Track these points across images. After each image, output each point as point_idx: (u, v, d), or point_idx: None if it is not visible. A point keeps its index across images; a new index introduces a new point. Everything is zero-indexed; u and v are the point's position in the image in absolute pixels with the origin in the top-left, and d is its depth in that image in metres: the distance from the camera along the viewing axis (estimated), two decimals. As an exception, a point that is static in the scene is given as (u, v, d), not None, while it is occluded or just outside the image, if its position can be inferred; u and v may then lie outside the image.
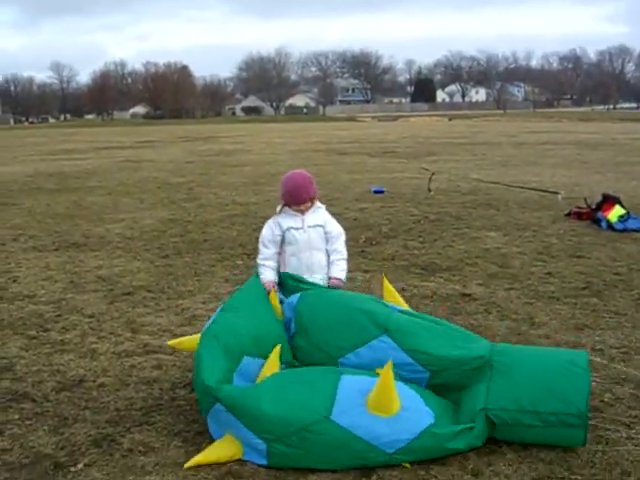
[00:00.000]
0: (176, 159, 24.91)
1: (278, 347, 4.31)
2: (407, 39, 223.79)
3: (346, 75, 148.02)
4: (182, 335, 5.85)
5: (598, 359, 5.12)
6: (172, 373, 4.97)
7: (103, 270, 8.30)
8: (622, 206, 10.33)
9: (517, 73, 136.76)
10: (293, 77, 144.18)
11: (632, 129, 42.34)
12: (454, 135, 37.95)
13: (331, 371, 4.08)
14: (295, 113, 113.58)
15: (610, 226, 10.02)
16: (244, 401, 3.82)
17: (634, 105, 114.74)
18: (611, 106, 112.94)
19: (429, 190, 14.15)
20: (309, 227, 4.89)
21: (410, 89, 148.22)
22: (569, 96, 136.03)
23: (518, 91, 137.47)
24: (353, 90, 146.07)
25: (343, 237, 5.08)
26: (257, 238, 10.01)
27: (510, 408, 3.84)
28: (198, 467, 3.74)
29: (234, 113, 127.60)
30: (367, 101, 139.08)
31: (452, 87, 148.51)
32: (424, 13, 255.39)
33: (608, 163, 19.86)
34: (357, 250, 8.72)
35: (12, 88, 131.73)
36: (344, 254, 5.06)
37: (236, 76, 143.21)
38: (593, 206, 10.78)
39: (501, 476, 3.61)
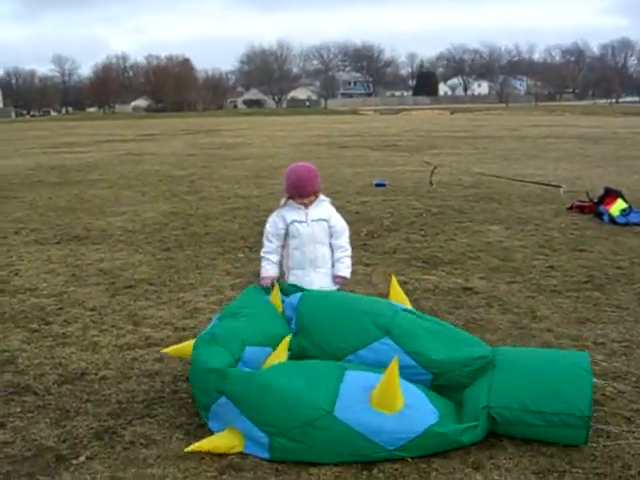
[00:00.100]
0: (178, 152, 24.90)
1: (288, 337, 4.32)
2: (409, 32, 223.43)
3: (348, 68, 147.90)
4: (183, 328, 5.89)
5: (600, 353, 5.13)
6: (174, 366, 4.97)
7: (105, 263, 8.31)
8: (624, 200, 10.32)
9: (520, 66, 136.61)
10: (295, 70, 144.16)
11: (634, 123, 42.26)
12: (456, 128, 37.90)
13: (336, 366, 4.07)
14: (297, 106, 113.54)
15: (612, 220, 10.01)
16: (249, 389, 3.83)
17: (637, 99, 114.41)
18: (613, 100, 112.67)
19: (431, 184, 14.14)
20: (313, 221, 4.88)
21: (412, 82, 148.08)
22: (571, 90, 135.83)
23: (520, 84, 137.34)
24: (355, 83, 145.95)
25: (347, 232, 5.07)
26: (259, 231, 10.04)
27: (513, 407, 3.84)
28: (200, 460, 3.75)
29: (236, 106, 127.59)
30: (369, 94, 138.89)
31: (454, 80, 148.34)
32: (426, 6, 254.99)
33: (610, 157, 19.83)
34: (359, 243, 8.71)
35: (13, 81, 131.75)
36: (348, 250, 5.06)
37: (238, 69, 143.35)
38: (595, 200, 10.77)
39: (502, 469, 3.62)
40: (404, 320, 4.41)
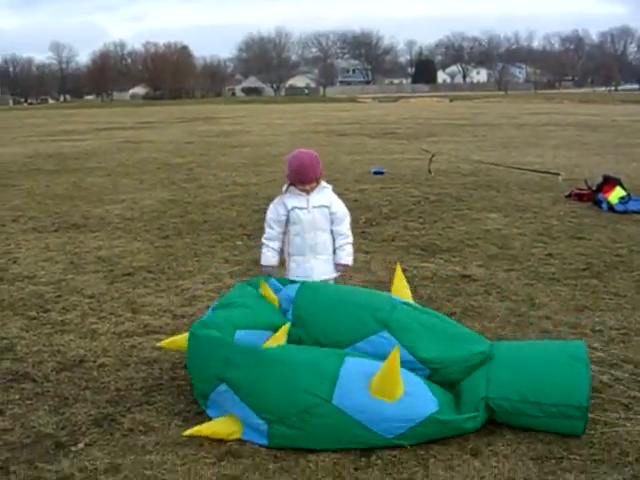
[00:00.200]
0: (176, 140, 24.85)
1: (287, 324, 4.32)
2: (408, 19, 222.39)
3: (347, 56, 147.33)
4: (182, 315, 5.89)
5: (597, 340, 5.14)
6: (172, 353, 4.97)
7: (103, 251, 8.30)
8: (623, 188, 10.32)
9: (519, 54, 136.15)
10: (293, 58, 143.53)
11: (633, 111, 42.19)
12: (455, 116, 37.84)
13: (336, 353, 4.04)
14: (295, 94, 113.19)
15: (611, 207, 10.01)
16: (250, 365, 3.85)
17: (636, 86, 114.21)
18: (613, 87, 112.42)
19: (429, 171, 14.12)
20: (314, 207, 4.88)
21: (411, 70, 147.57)
22: (571, 77, 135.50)
23: (519, 72, 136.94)
24: (354, 71, 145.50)
25: (348, 218, 5.07)
26: (257, 219, 10.09)
27: (511, 398, 3.84)
28: (198, 446, 3.76)
29: (234, 94, 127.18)
30: (367, 82, 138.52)
31: (453, 68, 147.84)
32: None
33: (608, 145, 19.81)
34: (357, 231, 8.69)
35: (11, 69, 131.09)
36: (350, 237, 5.06)
37: (236, 57, 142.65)
38: (594, 188, 10.77)
39: (500, 456, 3.63)
40: (403, 315, 4.38)
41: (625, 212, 9.82)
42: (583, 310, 5.86)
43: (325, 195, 4.94)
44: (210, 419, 3.97)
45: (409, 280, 5.66)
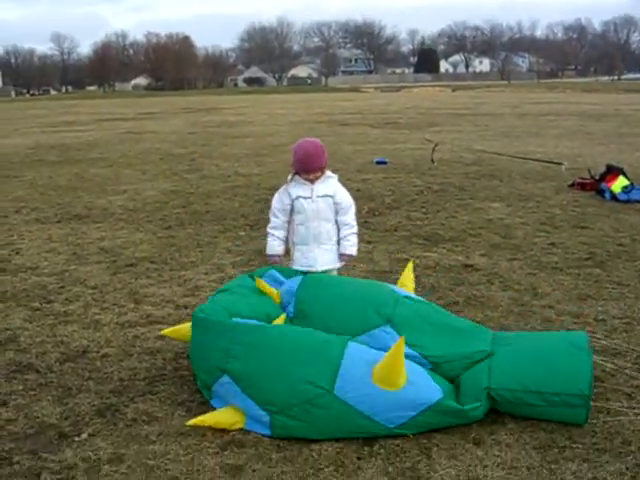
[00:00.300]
0: (178, 130, 24.83)
1: (283, 315, 4.32)
2: (410, 9, 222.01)
3: (349, 45, 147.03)
4: (185, 306, 5.90)
5: (600, 329, 5.13)
6: (175, 343, 4.98)
7: (106, 242, 8.31)
8: (626, 177, 10.30)
9: (521, 43, 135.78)
10: (295, 48, 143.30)
11: (636, 100, 42.07)
12: (457, 106, 37.75)
13: (338, 338, 4.00)
14: (297, 84, 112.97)
15: (614, 197, 9.99)
16: (250, 358, 3.86)
17: (639, 75, 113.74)
18: (616, 77, 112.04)
19: (432, 161, 14.10)
20: (318, 197, 4.87)
21: (413, 59, 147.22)
22: (574, 67, 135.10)
23: (522, 61, 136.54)
24: (356, 60, 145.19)
25: (353, 208, 5.06)
26: (260, 209, 10.11)
27: (513, 388, 3.84)
28: (201, 436, 3.77)
29: (236, 84, 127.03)
30: (370, 72, 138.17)
31: (456, 57, 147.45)
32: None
33: (611, 134, 19.76)
34: (360, 221, 8.58)
35: (13, 60, 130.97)
36: (354, 227, 5.05)
37: (238, 47, 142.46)
38: (597, 177, 10.75)
39: (502, 445, 3.63)
40: (406, 309, 4.37)
41: (628, 201, 9.80)
42: (586, 299, 5.85)
43: (330, 185, 4.93)
44: (214, 409, 3.98)
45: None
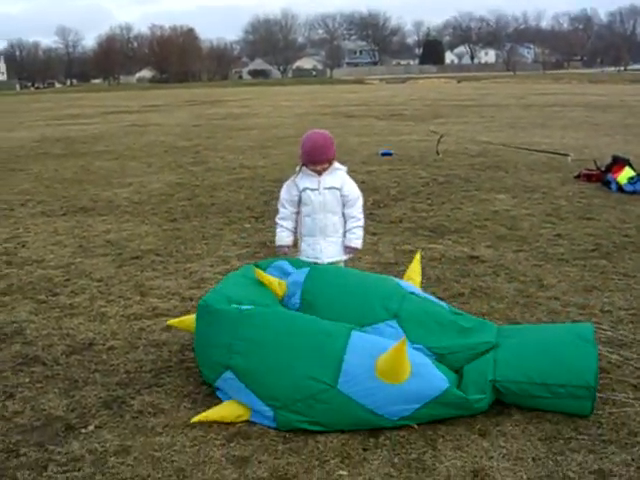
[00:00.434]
0: (183, 123, 24.82)
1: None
2: (415, 0, 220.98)
3: (354, 37, 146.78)
4: (190, 298, 5.90)
5: (606, 321, 5.13)
6: (181, 335, 4.99)
7: (111, 234, 8.32)
8: (632, 168, 10.26)
9: (527, 34, 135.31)
10: (300, 39, 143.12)
11: (643, 90, 41.87)
12: (462, 97, 37.65)
13: (341, 328, 3.96)
14: (302, 76, 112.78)
15: (620, 188, 9.96)
16: (253, 353, 3.85)
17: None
18: (622, 67, 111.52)
19: (437, 153, 14.07)
20: (325, 189, 4.86)
21: (418, 51, 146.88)
22: (579, 57, 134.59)
23: (528, 52, 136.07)
24: (361, 52, 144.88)
25: (360, 201, 5.04)
26: (265, 201, 10.12)
27: (519, 380, 3.83)
28: (207, 428, 3.78)
29: (241, 76, 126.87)
30: (375, 63, 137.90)
31: (461, 48, 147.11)
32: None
33: (617, 125, 19.68)
34: (365, 213, 8.59)
35: (17, 53, 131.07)
36: (360, 220, 5.03)
37: (242, 39, 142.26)
38: (602, 168, 10.71)
39: (508, 436, 3.64)
40: (412, 305, 4.36)
41: (634, 192, 9.77)
42: (592, 291, 5.84)
43: (337, 177, 4.91)
44: (220, 401, 3.99)
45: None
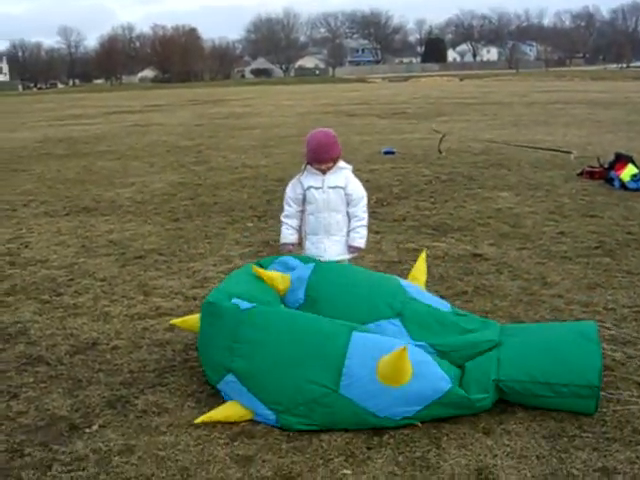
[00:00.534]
0: (185, 122, 24.82)
1: (282, 307, 4.32)
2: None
3: (356, 36, 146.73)
4: (194, 297, 5.91)
5: (610, 318, 5.12)
6: (184, 335, 4.99)
7: (114, 234, 8.33)
8: (635, 165, 10.24)
9: (529, 32, 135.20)
10: (302, 38, 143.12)
11: (645, 87, 41.80)
12: (465, 95, 37.61)
13: (341, 329, 3.93)
14: (305, 75, 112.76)
15: (623, 185, 9.95)
16: (254, 357, 3.85)
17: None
18: (624, 64, 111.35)
19: (440, 152, 14.06)
20: (329, 188, 4.86)
21: (421, 49, 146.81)
22: (582, 55, 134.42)
23: (530, 50, 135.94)
24: (363, 51, 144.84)
25: (364, 200, 5.03)
26: (267, 200, 10.11)
27: (522, 379, 3.82)
28: (212, 427, 3.78)
29: (243, 76, 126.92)
30: (377, 62, 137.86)
31: (463, 46, 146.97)
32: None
33: (620, 122, 19.64)
34: (368, 211, 8.67)
35: (20, 54, 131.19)
36: (364, 220, 5.02)
37: (244, 38, 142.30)
38: (606, 165, 10.69)
39: (512, 434, 3.63)
40: (416, 306, 4.35)
41: (637, 190, 9.75)
42: (595, 288, 5.84)
43: (341, 176, 4.91)
44: (224, 401, 3.99)
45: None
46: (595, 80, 59.36)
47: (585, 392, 3.73)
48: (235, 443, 3.65)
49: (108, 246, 7.78)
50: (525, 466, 3.36)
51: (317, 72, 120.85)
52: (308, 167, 4.90)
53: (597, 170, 10.78)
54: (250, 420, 3.83)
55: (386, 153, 14.24)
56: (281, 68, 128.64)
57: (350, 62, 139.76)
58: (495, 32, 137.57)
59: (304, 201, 4.94)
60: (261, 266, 4.70)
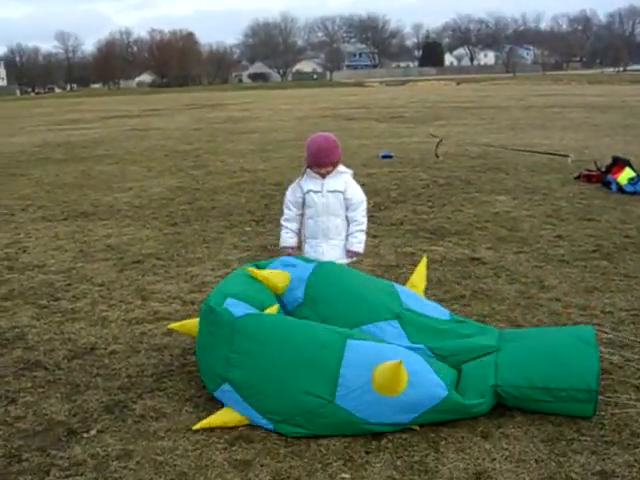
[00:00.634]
0: (183, 127, 24.83)
1: (276, 306, 4.28)
2: (414, 2, 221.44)
3: (353, 40, 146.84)
4: (192, 302, 5.91)
5: (608, 322, 5.12)
6: (182, 339, 4.99)
7: (112, 239, 8.32)
8: (632, 169, 10.26)
9: (526, 35, 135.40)
10: (299, 43, 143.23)
11: (642, 91, 41.85)
12: (462, 99, 37.66)
13: (336, 337, 3.89)
14: (302, 79, 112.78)
15: (620, 189, 9.96)
16: (249, 367, 3.84)
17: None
18: (621, 68, 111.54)
19: (437, 156, 14.07)
20: (328, 192, 4.88)
21: (418, 53, 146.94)
22: (579, 58, 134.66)
23: (527, 54, 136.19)
24: (360, 55, 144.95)
25: (364, 205, 5.04)
26: (265, 205, 10.11)
27: (520, 384, 3.82)
28: (210, 431, 3.78)
29: (241, 80, 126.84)
30: (374, 66, 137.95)
31: (460, 50, 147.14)
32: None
33: (617, 126, 19.67)
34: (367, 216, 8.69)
35: (17, 59, 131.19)
36: (363, 224, 5.03)
37: (242, 42, 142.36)
38: (603, 169, 10.71)
39: (511, 438, 3.63)
40: (412, 317, 4.35)
41: (634, 193, 9.76)
42: (593, 292, 5.84)
43: (341, 180, 4.92)
44: (222, 405, 3.98)
45: (418, 264, 5.67)
46: (592, 84, 59.44)
47: (583, 396, 3.73)
48: (233, 448, 3.64)
49: (106, 251, 7.78)
50: (523, 470, 3.36)
51: (315, 76, 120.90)
52: (308, 171, 4.92)
53: (594, 174, 10.79)
54: (248, 425, 3.83)
55: (384, 157, 14.25)
56: (279, 72, 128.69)
57: (348, 66, 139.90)
58: (492, 36, 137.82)
59: (304, 205, 4.95)
60: (258, 267, 4.69)
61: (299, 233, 5.08)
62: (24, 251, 7.92)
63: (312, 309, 4.36)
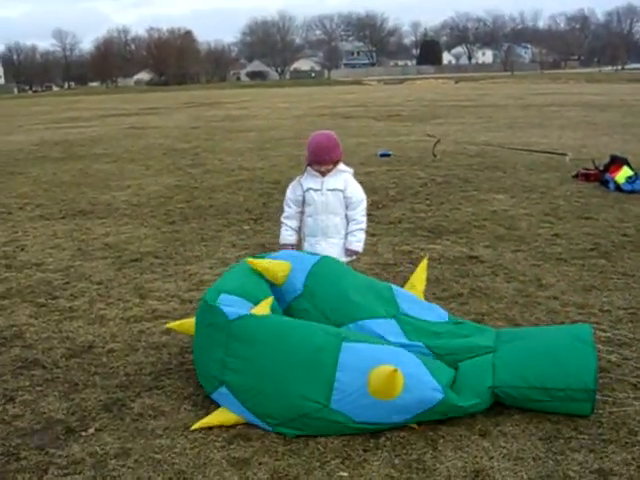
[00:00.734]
0: (181, 125, 24.82)
1: (270, 298, 4.21)
2: (413, 0, 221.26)
3: (351, 38, 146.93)
4: (190, 300, 5.90)
5: (605, 320, 5.13)
6: (180, 337, 4.99)
7: (110, 237, 8.32)
8: (630, 167, 10.26)
9: (524, 34, 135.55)
10: (297, 41, 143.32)
11: (640, 89, 41.88)
12: (460, 98, 37.67)
13: (331, 339, 3.84)
14: (300, 77, 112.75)
15: (618, 187, 9.97)
16: (245, 370, 3.83)
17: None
18: (619, 67, 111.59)
19: (434, 155, 14.07)
20: (328, 190, 4.89)
21: (416, 51, 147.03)
22: (577, 57, 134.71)
23: (525, 52, 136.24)
24: (358, 53, 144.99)
25: (364, 204, 5.04)
26: (263, 203, 10.11)
27: (518, 385, 3.82)
28: (208, 430, 3.78)
29: (239, 78, 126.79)
30: (372, 64, 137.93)
31: (458, 49, 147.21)
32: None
33: (616, 124, 19.68)
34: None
35: (15, 57, 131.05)
36: (362, 223, 5.03)
37: (240, 41, 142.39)
38: (601, 167, 10.72)
39: (508, 436, 3.64)
40: (409, 321, 4.36)
41: (632, 192, 9.77)
42: (591, 290, 5.85)
43: (341, 179, 4.93)
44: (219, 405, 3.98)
45: (416, 262, 5.70)
46: (590, 82, 59.48)
47: (581, 396, 3.74)
48: (232, 446, 3.64)
49: (104, 249, 7.78)
50: (521, 468, 3.36)
51: (313, 75, 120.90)
52: (308, 169, 4.93)
53: (592, 172, 10.80)
54: (246, 423, 3.83)
55: (382, 155, 14.25)
56: (277, 71, 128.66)
57: (345, 64, 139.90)
58: (490, 34, 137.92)
59: (304, 203, 4.96)
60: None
61: (299, 231, 5.09)
62: (22, 249, 7.91)
63: (310, 301, 4.35)
